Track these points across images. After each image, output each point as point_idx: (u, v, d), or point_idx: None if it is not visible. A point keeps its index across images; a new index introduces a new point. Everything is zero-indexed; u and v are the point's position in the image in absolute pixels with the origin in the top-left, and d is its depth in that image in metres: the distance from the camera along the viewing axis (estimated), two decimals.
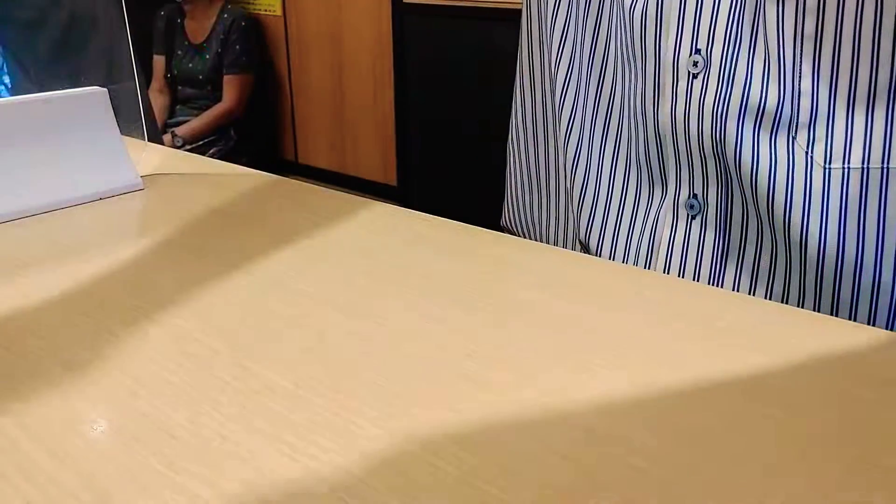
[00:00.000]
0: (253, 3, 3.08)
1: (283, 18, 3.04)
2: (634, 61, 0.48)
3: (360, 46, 2.80)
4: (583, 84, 0.54)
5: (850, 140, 0.43)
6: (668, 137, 0.47)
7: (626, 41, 0.49)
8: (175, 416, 0.28)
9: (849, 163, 0.43)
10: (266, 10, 3.07)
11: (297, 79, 3.09)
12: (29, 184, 0.49)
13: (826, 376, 0.31)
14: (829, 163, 0.43)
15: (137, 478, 0.25)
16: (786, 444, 0.27)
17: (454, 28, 2.29)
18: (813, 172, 0.43)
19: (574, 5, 0.54)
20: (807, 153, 0.43)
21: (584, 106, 0.55)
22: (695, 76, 0.44)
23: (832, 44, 0.41)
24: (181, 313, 0.36)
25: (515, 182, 0.64)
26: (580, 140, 0.55)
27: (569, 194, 0.56)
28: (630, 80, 0.50)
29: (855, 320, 0.44)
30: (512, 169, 0.64)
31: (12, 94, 0.69)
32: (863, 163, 0.42)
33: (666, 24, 0.45)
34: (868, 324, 0.45)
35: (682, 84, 0.45)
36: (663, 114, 0.46)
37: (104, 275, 0.40)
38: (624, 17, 0.49)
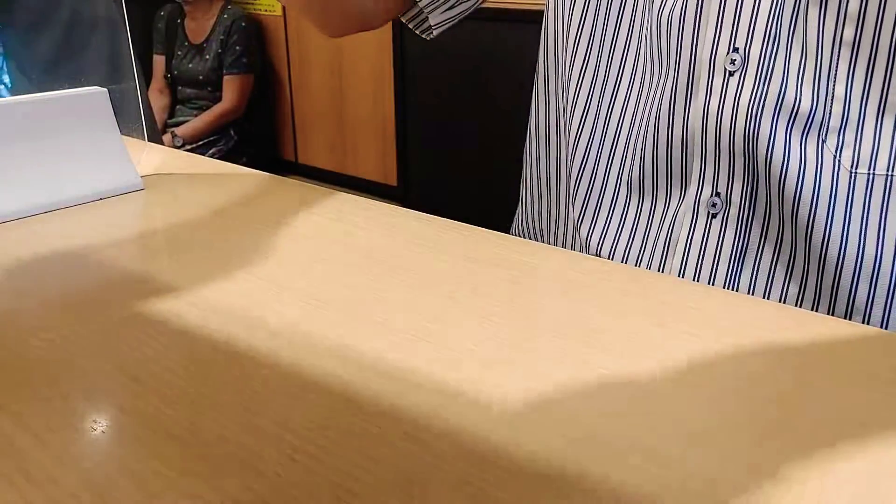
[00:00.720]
0: (253, 3, 3.08)
1: (283, 18, 3.04)
2: (667, 61, 0.48)
3: (360, 46, 2.80)
4: (596, 93, 0.54)
5: (877, 147, 0.44)
6: (696, 136, 0.47)
7: (657, 43, 0.49)
8: (175, 416, 0.28)
9: (874, 169, 0.44)
10: (266, 10, 3.07)
11: (297, 79, 3.09)
12: (29, 184, 0.49)
13: (829, 378, 0.31)
14: (856, 167, 0.44)
15: (137, 478, 0.25)
16: (787, 444, 0.27)
17: (454, 28, 2.28)
18: (839, 176, 0.44)
19: (595, 13, 0.54)
20: (835, 157, 0.44)
21: (596, 117, 0.54)
22: (731, 73, 0.45)
23: (869, 52, 0.42)
24: (181, 313, 0.36)
25: (528, 190, 0.63)
26: (597, 159, 0.55)
27: (575, 221, 0.56)
28: (656, 83, 0.50)
29: (868, 324, 0.45)
30: (526, 176, 0.64)
31: (12, 94, 0.69)
32: (888, 170, 0.44)
33: (704, 22, 0.45)
34: (881, 328, 0.45)
35: (718, 81, 0.45)
36: (695, 111, 0.47)
37: (104, 275, 0.40)
38: (658, 20, 0.49)
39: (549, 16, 0.58)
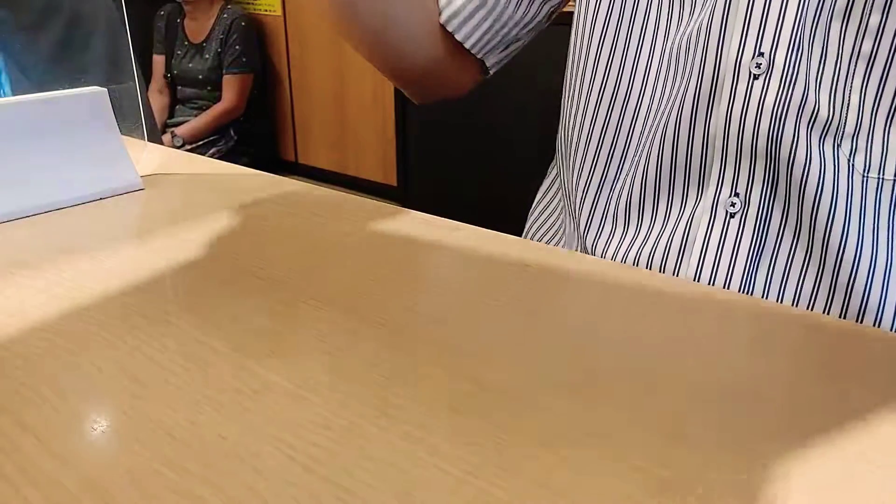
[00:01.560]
0: (253, 3, 3.08)
1: (283, 18, 3.04)
2: (691, 68, 0.50)
3: None
4: (617, 106, 0.56)
5: (885, 154, 0.46)
6: (718, 138, 0.48)
7: (684, 53, 0.50)
8: (175, 416, 0.28)
9: (883, 174, 0.46)
10: (266, 10, 3.07)
11: (297, 79, 3.09)
12: (29, 184, 0.49)
13: (832, 379, 0.31)
14: (867, 172, 0.46)
15: (137, 478, 0.25)
16: (787, 444, 0.27)
17: None
18: (853, 179, 0.46)
19: (616, 33, 0.55)
20: (849, 161, 0.46)
21: (617, 129, 0.56)
22: (756, 77, 0.46)
23: (883, 65, 0.44)
24: (181, 313, 0.36)
25: (549, 196, 0.65)
26: (617, 169, 0.56)
27: (592, 231, 0.57)
28: (676, 90, 0.51)
29: (880, 324, 0.47)
30: (548, 184, 0.65)
31: (12, 94, 0.69)
32: (895, 176, 0.46)
33: (730, 30, 0.47)
34: (892, 329, 0.46)
35: (743, 84, 0.47)
36: (718, 114, 0.48)
37: (104, 275, 0.40)
38: (688, 36, 0.50)
39: (574, 30, 0.60)
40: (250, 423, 0.28)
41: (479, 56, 0.61)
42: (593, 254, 0.56)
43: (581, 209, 0.57)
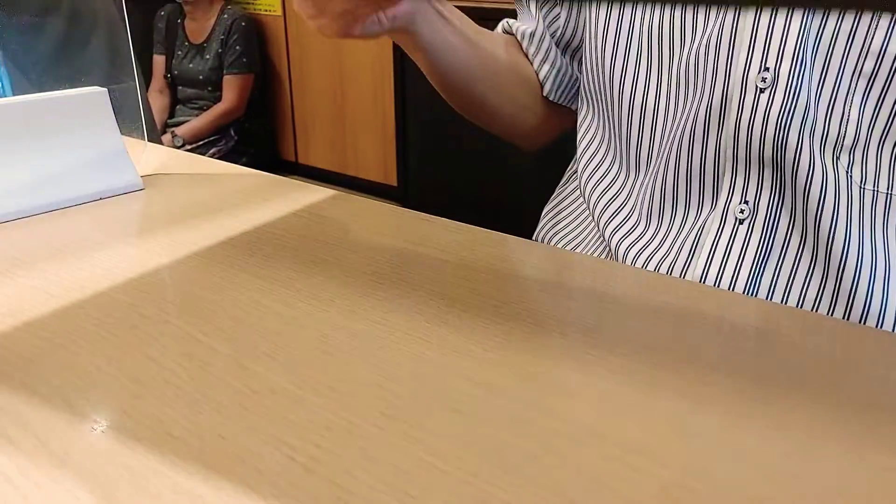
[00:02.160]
0: (253, 3, 3.08)
1: (283, 18, 3.04)
2: (701, 86, 0.52)
3: (360, 46, 2.80)
4: (634, 121, 0.58)
5: (879, 168, 0.48)
6: (728, 149, 0.50)
7: (693, 72, 0.52)
8: (175, 416, 0.28)
9: (878, 186, 0.48)
10: (266, 10, 3.07)
11: (297, 79, 3.09)
12: (29, 184, 0.49)
13: (833, 379, 0.31)
14: (864, 184, 0.48)
15: (137, 478, 0.25)
16: (787, 443, 0.27)
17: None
18: (853, 190, 0.48)
19: (626, 51, 0.57)
20: (847, 172, 0.48)
21: (637, 149, 0.58)
22: (762, 90, 0.48)
23: (882, 85, 0.47)
24: (181, 313, 0.36)
25: (567, 201, 0.66)
26: (627, 178, 0.58)
27: (601, 227, 0.58)
28: (686, 108, 0.53)
29: (881, 327, 0.48)
30: (570, 189, 0.66)
31: (12, 94, 0.69)
32: (888, 189, 0.48)
33: (738, 48, 0.49)
34: (892, 332, 0.47)
35: (749, 98, 0.49)
36: (728, 126, 0.50)
37: (104, 275, 0.40)
38: (696, 53, 0.52)
39: (587, 47, 0.62)
40: (250, 423, 0.28)
41: (564, 104, 0.69)
42: (617, 258, 0.56)
43: (601, 215, 0.59)
